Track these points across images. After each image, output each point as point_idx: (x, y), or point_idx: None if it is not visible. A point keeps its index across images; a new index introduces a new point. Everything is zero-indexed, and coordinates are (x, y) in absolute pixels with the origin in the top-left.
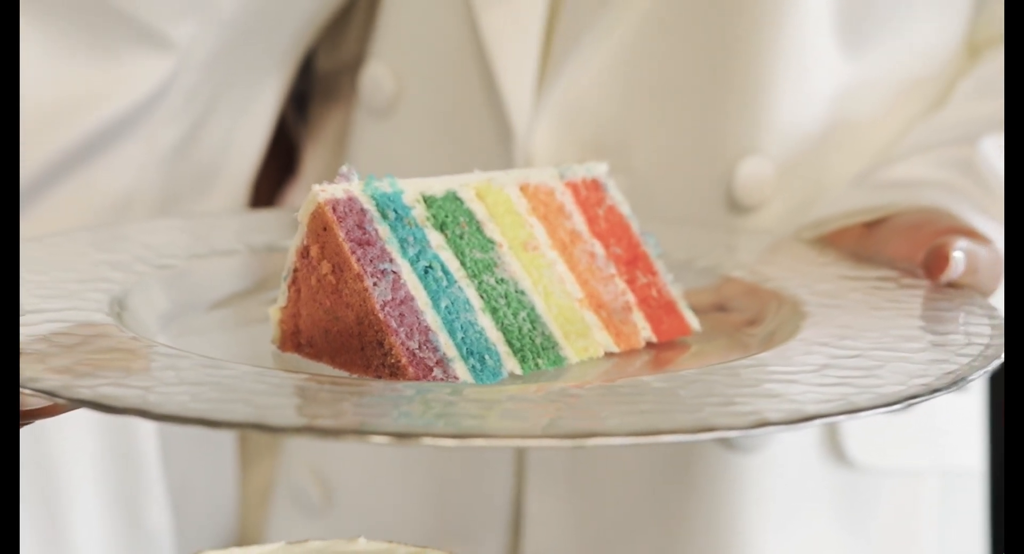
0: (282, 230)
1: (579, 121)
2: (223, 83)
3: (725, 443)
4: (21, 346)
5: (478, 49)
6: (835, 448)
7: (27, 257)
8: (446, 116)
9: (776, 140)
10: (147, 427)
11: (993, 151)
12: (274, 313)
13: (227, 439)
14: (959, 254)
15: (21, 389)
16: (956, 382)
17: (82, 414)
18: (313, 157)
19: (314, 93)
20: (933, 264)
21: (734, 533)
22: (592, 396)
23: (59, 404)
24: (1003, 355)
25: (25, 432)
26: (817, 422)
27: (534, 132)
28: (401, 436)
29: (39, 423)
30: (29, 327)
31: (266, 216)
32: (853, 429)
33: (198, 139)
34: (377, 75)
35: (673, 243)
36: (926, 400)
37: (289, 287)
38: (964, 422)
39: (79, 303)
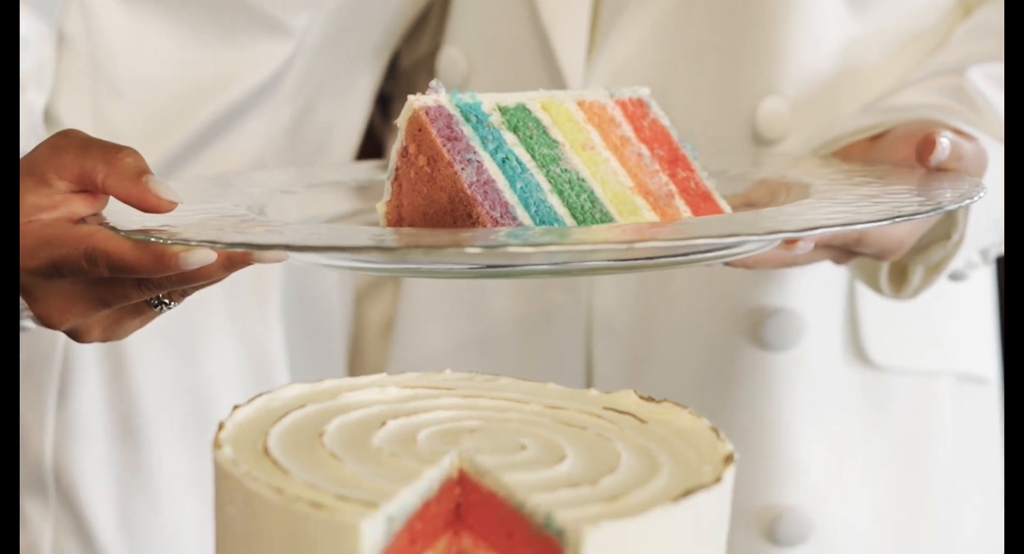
0: (379, 170)
1: (625, 81)
2: (329, 69)
3: (758, 340)
4: (178, 225)
5: (536, 27)
6: (857, 349)
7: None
8: (511, 87)
9: (792, 83)
10: (278, 347)
11: (979, 78)
12: (381, 207)
13: (339, 359)
14: (945, 141)
15: (186, 245)
16: (936, 208)
17: (226, 332)
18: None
19: (397, 93)
20: (923, 149)
21: (770, 425)
22: (644, 226)
23: (211, 269)
24: (979, 195)
25: (175, 356)
26: (819, 231)
27: None
28: (490, 247)
29: (191, 347)
30: (182, 217)
31: (364, 164)
32: (873, 332)
33: (309, 118)
34: (452, 57)
35: (709, 161)
36: (910, 219)
37: (392, 184)
38: (975, 331)
39: (223, 206)
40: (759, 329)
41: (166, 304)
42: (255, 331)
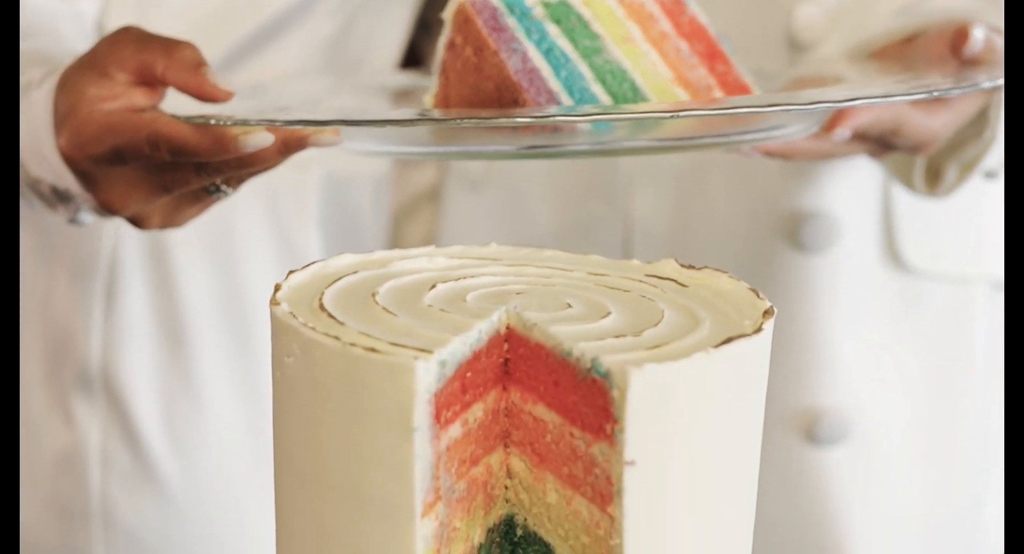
0: (421, 78)
1: None
2: None
3: (795, 243)
4: (242, 114)
5: None
6: (892, 252)
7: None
8: None
9: None
10: (316, 257)
11: None
12: (428, 100)
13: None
14: (979, 33)
15: (246, 129)
16: (973, 85)
17: (266, 241)
18: None
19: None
20: (957, 41)
21: (807, 327)
22: (686, 102)
23: (268, 153)
24: (1003, 78)
25: (217, 263)
26: (859, 102)
27: None
28: (537, 117)
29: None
30: (238, 108)
31: (407, 73)
32: (909, 236)
33: (349, 35)
34: None
35: (745, 64)
36: (944, 94)
37: (439, 77)
38: None
39: (276, 97)
40: (796, 232)
41: (223, 192)
42: (294, 241)
